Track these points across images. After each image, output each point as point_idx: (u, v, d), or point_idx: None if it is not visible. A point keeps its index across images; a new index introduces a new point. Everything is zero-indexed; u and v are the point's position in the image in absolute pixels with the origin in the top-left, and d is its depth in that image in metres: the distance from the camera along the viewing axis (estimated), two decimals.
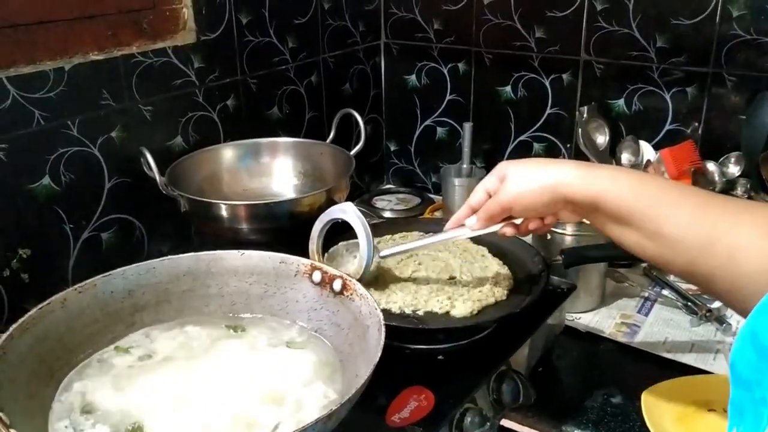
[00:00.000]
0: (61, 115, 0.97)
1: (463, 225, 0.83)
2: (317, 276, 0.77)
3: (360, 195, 1.57)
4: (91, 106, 1.00)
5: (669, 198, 0.66)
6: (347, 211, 0.73)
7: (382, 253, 0.86)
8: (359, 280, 0.74)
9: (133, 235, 1.11)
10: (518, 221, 0.80)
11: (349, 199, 1.52)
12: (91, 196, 1.03)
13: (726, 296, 0.63)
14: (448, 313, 0.88)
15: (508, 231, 0.80)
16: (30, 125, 0.93)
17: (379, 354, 0.61)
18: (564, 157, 1.39)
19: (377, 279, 0.92)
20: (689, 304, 1.11)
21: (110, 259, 1.06)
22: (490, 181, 0.79)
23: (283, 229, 1.01)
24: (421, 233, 1.05)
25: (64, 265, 1.02)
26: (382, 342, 0.63)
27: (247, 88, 1.24)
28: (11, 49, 0.90)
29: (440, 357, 0.86)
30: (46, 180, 0.97)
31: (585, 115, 1.29)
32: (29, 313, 0.67)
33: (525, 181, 0.74)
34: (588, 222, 0.74)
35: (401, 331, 0.84)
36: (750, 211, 0.62)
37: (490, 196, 0.79)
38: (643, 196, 0.67)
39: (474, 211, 0.81)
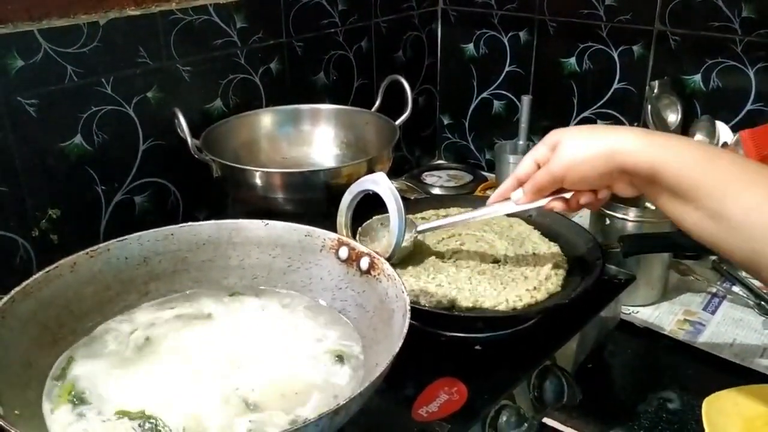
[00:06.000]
0: (95, 72, 0.93)
1: (508, 199, 0.76)
2: (344, 252, 0.71)
3: (410, 170, 1.51)
4: (126, 64, 0.96)
5: (741, 176, 0.60)
6: (379, 182, 0.66)
7: (420, 227, 0.79)
8: (388, 259, 0.67)
9: (168, 200, 1.07)
10: (568, 195, 0.73)
11: (397, 173, 1.47)
12: (125, 157, 1.00)
13: None
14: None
15: (557, 206, 0.73)
16: (62, 81, 0.90)
17: (400, 343, 0.54)
18: None
19: (413, 256, 0.85)
20: (763, 303, 1.01)
21: (143, 224, 1.01)
22: (539, 150, 0.72)
23: (319, 200, 0.95)
24: (461, 209, 0.98)
25: (95, 228, 0.99)
26: (405, 330, 0.56)
27: (292, 51, 1.18)
28: (44, 0, 0.87)
29: (477, 347, 0.80)
30: (78, 139, 0.94)
31: (656, 91, 1.18)
32: (34, 276, 0.63)
33: (579, 148, 0.67)
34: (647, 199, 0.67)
35: (436, 317, 0.78)
36: None
37: (539, 167, 0.72)
38: (711, 171, 0.61)
39: (521, 183, 0.74)
